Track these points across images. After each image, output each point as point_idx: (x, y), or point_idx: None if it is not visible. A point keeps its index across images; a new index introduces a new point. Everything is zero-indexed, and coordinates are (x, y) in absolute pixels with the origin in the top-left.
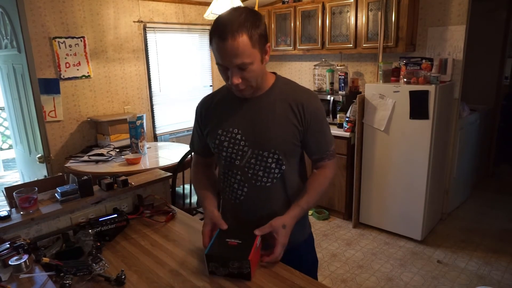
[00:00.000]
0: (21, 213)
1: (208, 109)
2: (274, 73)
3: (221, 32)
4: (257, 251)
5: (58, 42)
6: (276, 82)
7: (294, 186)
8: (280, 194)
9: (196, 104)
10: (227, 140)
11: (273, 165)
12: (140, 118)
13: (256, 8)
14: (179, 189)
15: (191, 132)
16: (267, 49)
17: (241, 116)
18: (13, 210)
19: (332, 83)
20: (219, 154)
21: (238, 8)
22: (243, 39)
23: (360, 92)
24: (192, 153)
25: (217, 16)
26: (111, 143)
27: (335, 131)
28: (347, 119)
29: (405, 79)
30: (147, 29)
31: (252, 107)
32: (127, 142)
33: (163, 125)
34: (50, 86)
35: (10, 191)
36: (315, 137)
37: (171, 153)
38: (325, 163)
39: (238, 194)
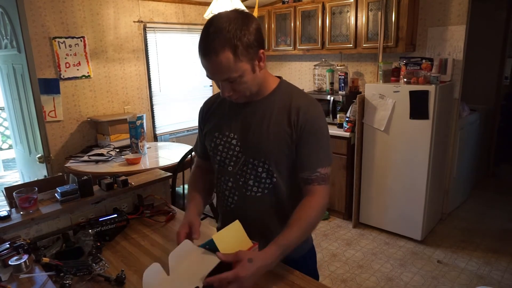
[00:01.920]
0: (21, 213)
1: (209, 110)
2: (280, 77)
3: (203, 49)
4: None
5: (58, 42)
6: (278, 87)
7: (287, 199)
8: (271, 206)
9: (197, 104)
10: (222, 144)
11: (264, 175)
12: (140, 118)
13: (256, 8)
14: (179, 189)
15: (191, 132)
16: (261, 56)
17: (238, 121)
18: (13, 210)
19: (332, 83)
20: (214, 157)
21: (227, 14)
22: (226, 55)
23: (360, 92)
24: (193, 153)
25: None
26: (111, 143)
27: (335, 131)
28: (347, 119)
29: (405, 79)
30: (147, 29)
31: (250, 111)
32: (127, 142)
33: (163, 125)
34: (50, 86)
35: (10, 191)
36: (307, 149)
37: (171, 153)
38: (314, 187)
39: (229, 202)
